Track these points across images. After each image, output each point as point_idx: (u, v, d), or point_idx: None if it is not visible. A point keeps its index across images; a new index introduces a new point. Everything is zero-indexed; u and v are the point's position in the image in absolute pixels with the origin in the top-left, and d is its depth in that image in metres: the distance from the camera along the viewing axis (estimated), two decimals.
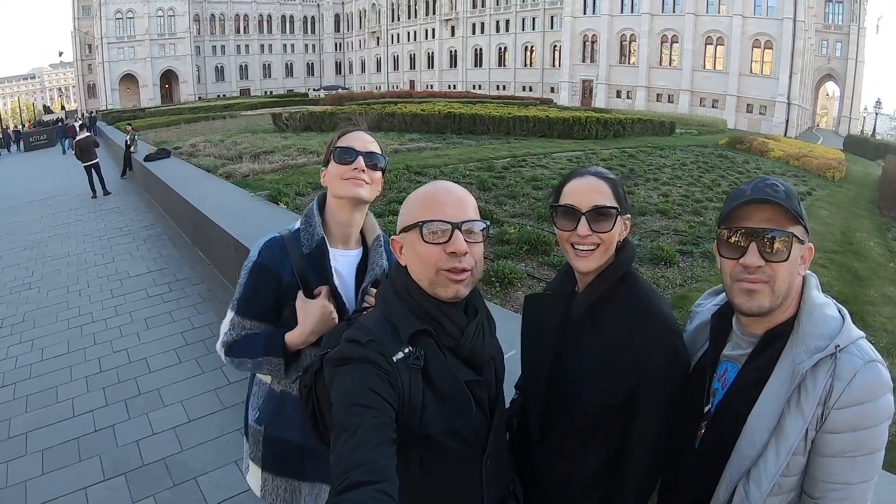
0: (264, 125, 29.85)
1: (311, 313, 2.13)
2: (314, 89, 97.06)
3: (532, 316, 2.15)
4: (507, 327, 2.45)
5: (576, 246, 1.87)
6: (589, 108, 51.49)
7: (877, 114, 71.07)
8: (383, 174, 2.28)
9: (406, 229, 1.71)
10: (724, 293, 1.92)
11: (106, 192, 18.86)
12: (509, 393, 2.15)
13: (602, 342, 1.88)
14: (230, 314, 2.23)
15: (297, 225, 2.26)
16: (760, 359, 1.68)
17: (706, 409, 1.81)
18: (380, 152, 2.24)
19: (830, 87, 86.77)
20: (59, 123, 54.64)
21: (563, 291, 2.08)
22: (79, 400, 5.93)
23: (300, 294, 2.16)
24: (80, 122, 39.78)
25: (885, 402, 1.48)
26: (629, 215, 1.97)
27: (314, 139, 20.66)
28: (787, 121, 62.50)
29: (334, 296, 2.21)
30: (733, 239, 1.65)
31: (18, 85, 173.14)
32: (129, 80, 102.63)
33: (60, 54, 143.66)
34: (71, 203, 18.12)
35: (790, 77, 62.98)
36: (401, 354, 1.60)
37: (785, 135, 54.65)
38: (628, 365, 1.82)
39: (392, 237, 1.81)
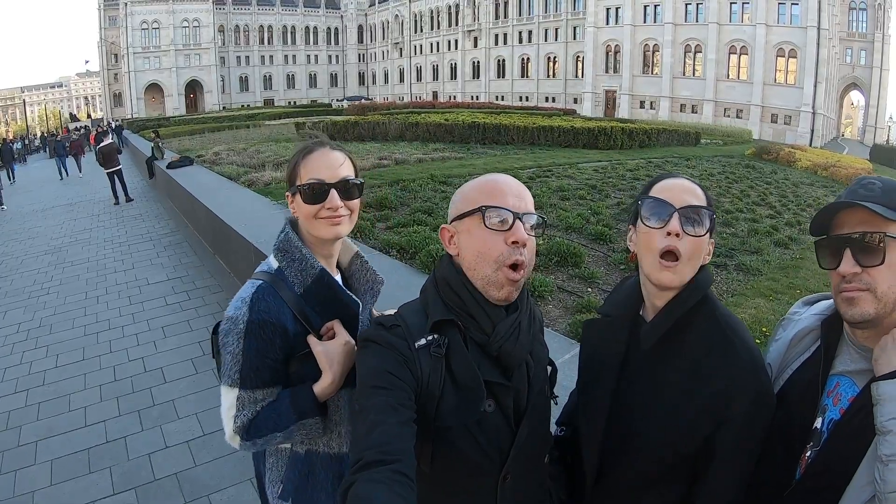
0: (287, 134, 29.90)
1: (335, 355, 1.85)
2: (338, 100, 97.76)
3: (590, 345, 1.93)
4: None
5: (662, 254, 1.63)
6: (613, 119, 51.19)
7: None
8: (361, 192, 2.01)
9: (462, 216, 1.65)
10: (819, 303, 1.82)
11: (128, 199, 18.94)
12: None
13: (674, 380, 1.65)
14: (232, 393, 1.81)
15: (273, 263, 1.94)
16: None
17: (814, 427, 1.59)
18: (353, 175, 1.97)
19: (855, 96, 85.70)
20: (55, 136, 47.58)
21: (625, 316, 1.83)
22: (91, 409, 5.80)
23: (312, 339, 1.86)
24: (102, 129, 37.78)
25: None
26: (713, 239, 1.75)
27: None
28: (813, 131, 61.51)
29: (349, 325, 1.95)
30: (827, 248, 1.54)
31: (46, 93, 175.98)
32: (154, 89, 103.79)
33: (87, 63, 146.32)
34: (93, 209, 18.23)
35: (815, 86, 62.00)
36: (423, 341, 1.58)
37: (810, 145, 53.85)
38: (706, 408, 1.58)
39: (443, 226, 1.72)
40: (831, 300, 1.65)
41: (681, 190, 1.67)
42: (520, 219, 1.59)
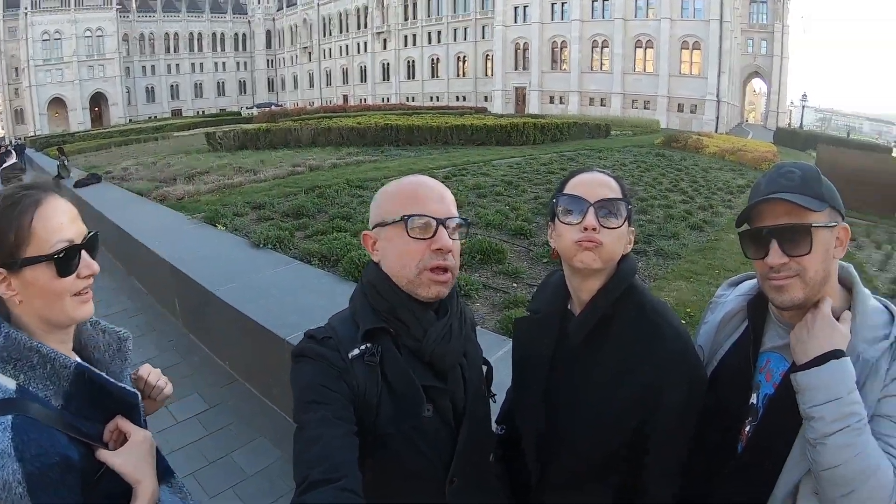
0: (197, 145, 28.90)
1: (139, 460, 1.48)
2: (247, 107, 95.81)
3: (521, 343, 1.97)
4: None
5: (581, 242, 1.65)
6: (523, 115, 51.88)
7: (803, 107, 73.74)
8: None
9: (383, 224, 1.64)
10: (743, 283, 1.93)
11: None
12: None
13: (601, 375, 1.69)
14: None
15: (5, 383, 1.35)
16: None
17: (750, 402, 1.70)
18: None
19: (757, 84, 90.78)
20: None
21: (553, 312, 1.87)
22: None
23: (104, 453, 1.43)
24: (5, 148, 34.56)
25: None
26: (633, 228, 1.79)
27: (249, 157, 20.16)
28: (718, 118, 64.48)
29: (129, 415, 1.55)
30: (752, 239, 1.62)
31: None
32: (57, 103, 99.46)
33: None
34: None
35: (719, 76, 65.06)
36: (356, 351, 1.56)
37: (716, 131, 55.84)
38: (635, 400, 1.63)
39: (364, 233, 1.72)
40: (754, 280, 1.80)
41: (595, 184, 1.70)
42: (443, 224, 1.61)
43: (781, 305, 1.58)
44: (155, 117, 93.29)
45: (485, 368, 1.89)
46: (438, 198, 1.66)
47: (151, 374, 1.82)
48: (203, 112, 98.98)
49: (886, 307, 1.61)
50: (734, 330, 1.83)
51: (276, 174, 15.51)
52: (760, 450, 1.62)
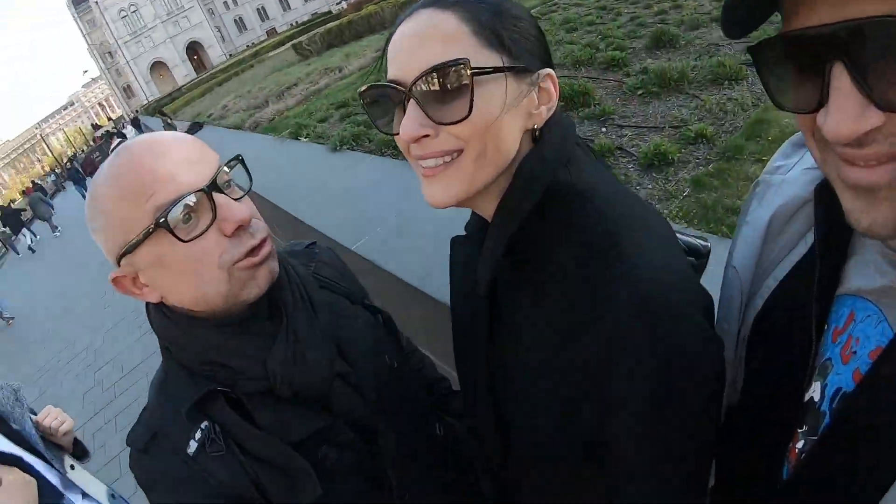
0: (290, 59, 29.08)
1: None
2: (336, 3, 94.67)
3: (456, 277, 1.18)
4: None
5: (419, 160, 0.87)
6: None
7: None
8: None
9: (128, 249, 0.95)
10: None
11: None
12: None
13: (535, 336, 0.89)
14: None
15: None
16: None
17: (807, 397, 0.74)
18: None
19: None
20: (73, 159, 40.58)
21: (476, 232, 1.10)
22: None
23: None
24: (117, 129, 34.20)
25: None
26: (550, 69, 0.90)
27: (335, 55, 19.84)
28: None
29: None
30: (789, 64, 0.60)
31: (62, 117, 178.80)
32: (159, 67, 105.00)
33: (85, 73, 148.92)
34: None
35: None
36: (193, 444, 0.97)
37: None
38: (580, 381, 0.81)
39: (114, 276, 0.99)
40: None
41: (414, 44, 0.84)
42: (215, 191, 0.96)
43: (870, 231, 0.59)
44: (252, 44, 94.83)
45: (380, 318, 1.32)
46: (180, 159, 0.96)
47: (48, 416, 1.92)
48: (296, 23, 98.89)
49: None
50: (799, 239, 0.84)
51: (362, 65, 15.16)
52: (820, 483, 0.70)
